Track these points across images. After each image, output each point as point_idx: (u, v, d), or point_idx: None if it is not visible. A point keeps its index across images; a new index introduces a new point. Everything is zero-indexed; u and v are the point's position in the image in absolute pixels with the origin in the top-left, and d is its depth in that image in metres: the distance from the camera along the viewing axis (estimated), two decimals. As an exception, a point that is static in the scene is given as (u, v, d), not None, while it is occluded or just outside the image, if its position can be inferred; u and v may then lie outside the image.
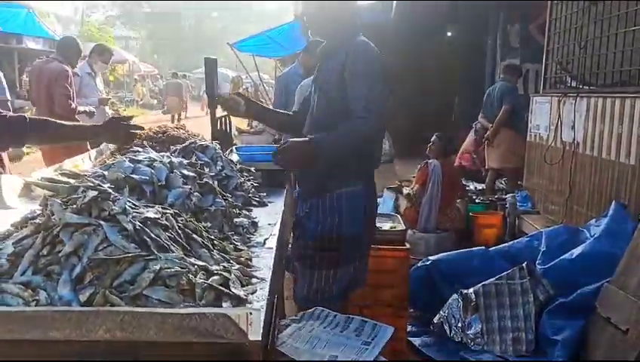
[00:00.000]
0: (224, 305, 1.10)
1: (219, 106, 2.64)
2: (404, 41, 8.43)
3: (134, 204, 1.32)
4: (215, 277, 1.16)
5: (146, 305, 1.07)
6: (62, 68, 4.73)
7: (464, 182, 5.81)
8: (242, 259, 1.36)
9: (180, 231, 1.30)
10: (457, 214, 4.90)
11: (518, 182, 5.65)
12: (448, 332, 3.13)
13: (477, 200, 5.48)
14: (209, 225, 1.49)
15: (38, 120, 2.14)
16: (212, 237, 1.42)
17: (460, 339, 3.08)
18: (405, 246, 2.98)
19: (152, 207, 1.36)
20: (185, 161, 1.77)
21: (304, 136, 2.37)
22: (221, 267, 1.23)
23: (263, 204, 2.04)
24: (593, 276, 2.86)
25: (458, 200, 5.02)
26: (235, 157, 2.53)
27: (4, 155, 3.90)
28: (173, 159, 1.72)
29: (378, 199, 4.81)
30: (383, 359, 1.62)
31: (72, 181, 1.49)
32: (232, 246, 1.46)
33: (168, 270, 1.13)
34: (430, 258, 3.50)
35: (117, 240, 1.16)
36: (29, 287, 1.09)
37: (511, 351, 2.92)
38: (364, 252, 2.35)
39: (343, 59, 2.13)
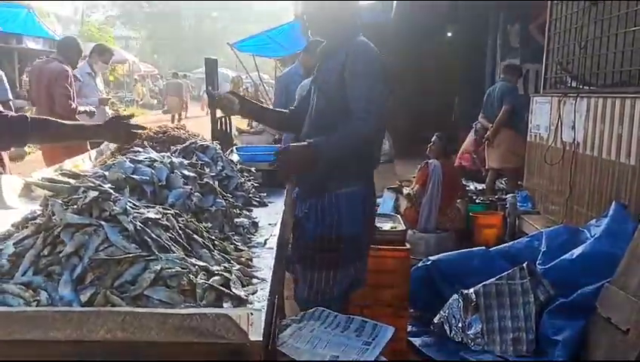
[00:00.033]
0: (225, 305, 1.10)
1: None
2: (404, 41, 8.43)
3: (135, 205, 1.32)
4: (216, 278, 1.16)
5: (146, 306, 1.07)
6: (62, 68, 4.73)
7: (464, 183, 5.81)
8: (243, 259, 1.36)
9: (180, 232, 1.31)
10: (457, 214, 4.90)
11: (519, 183, 5.65)
12: (448, 332, 3.13)
13: (477, 201, 5.48)
14: (209, 225, 1.50)
15: (40, 119, 2.14)
16: (213, 237, 1.42)
17: (460, 339, 3.08)
18: (405, 246, 2.98)
19: (153, 207, 1.36)
20: (185, 162, 1.77)
21: (302, 135, 2.37)
22: (222, 267, 1.23)
23: (263, 204, 2.04)
24: (593, 276, 2.86)
25: (458, 201, 5.02)
26: (235, 157, 2.53)
27: (5, 155, 3.90)
28: (174, 159, 1.73)
29: (378, 199, 4.84)
30: (384, 359, 1.62)
31: (72, 181, 1.49)
32: (232, 246, 1.46)
33: (169, 270, 1.13)
34: (430, 258, 3.50)
35: (118, 241, 1.16)
36: (30, 288, 1.09)
37: (511, 351, 2.91)
38: (363, 252, 2.35)
39: (343, 59, 2.13)
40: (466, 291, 3.15)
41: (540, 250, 3.32)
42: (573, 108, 4.30)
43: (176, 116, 18.10)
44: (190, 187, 1.61)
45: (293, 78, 4.21)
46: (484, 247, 3.62)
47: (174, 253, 1.20)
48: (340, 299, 2.24)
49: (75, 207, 1.24)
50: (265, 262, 1.40)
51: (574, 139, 4.31)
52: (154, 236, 1.21)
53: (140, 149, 1.91)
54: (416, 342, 3.13)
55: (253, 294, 1.18)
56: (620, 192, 3.58)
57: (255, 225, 1.73)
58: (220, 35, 37.63)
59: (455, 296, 3.19)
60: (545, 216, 4.81)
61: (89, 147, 3.55)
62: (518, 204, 4.96)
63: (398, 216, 3.42)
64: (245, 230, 1.64)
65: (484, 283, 3.11)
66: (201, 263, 1.21)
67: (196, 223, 1.41)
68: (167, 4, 40.97)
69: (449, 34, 9.61)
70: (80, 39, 5.65)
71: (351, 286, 2.29)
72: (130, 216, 1.23)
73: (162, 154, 1.79)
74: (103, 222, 1.20)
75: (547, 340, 2.85)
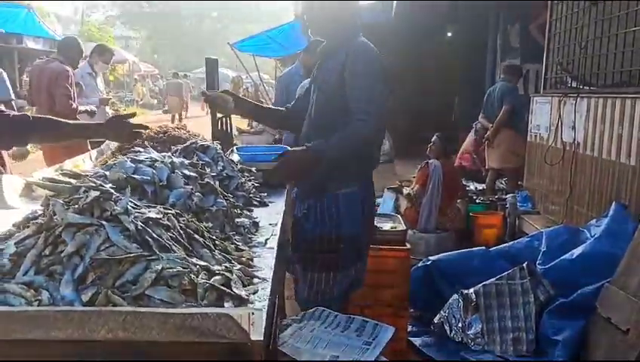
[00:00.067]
0: (226, 305, 1.10)
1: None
2: (404, 41, 8.44)
3: (136, 204, 1.32)
4: (217, 277, 1.16)
5: (148, 305, 1.07)
6: (62, 68, 4.74)
7: (464, 183, 5.82)
8: (244, 259, 1.36)
9: (181, 232, 1.30)
10: (457, 214, 4.91)
11: (519, 183, 5.65)
12: (449, 332, 3.13)
13: (477, 201, 5.49)
14: (210, 225, 1.49)
15: (41, 118, 2.14)
16: (213, 237, 1.42)
17: (460, 339, 3.09)
18: (406, 246, 2.98)
19: (154, 207, 1.36)
20: (186, 161, 1.77)
21: (301, 134, 2.37)
22: (223, 267, 1.23)
23: (263, 204, 2.04)
24: (593, 276, 2.87)
25: (458, 201, 5.02)
26: (235, 157, 2.52)
27: (5, 155, 3.90)
28: (175, 159, 1.72)
29: (378, 199, 4.84)
30: (384, 359, 1.63)
31: (73, 181, 1.49)
32: (233, 246, 1.46)
33: (170, 270, 1.13)
34: (430, 258, 3.50)
35: (119, 241, 1.16)
36: (32, 287, 1.09)
37: (511, 351, 2.92)
38: (363, 252, 2.35)
39: (343, 59, 2.13)
40: (466, 291, 3.15)
41: (540, 250, 3.33)
42: (574, 109, 4.30)
43: (177, 116, 18.10)
44: (191, 187, 1.61)
45: (294, 78, 4.22)
46: (484, 247, 3.62)
47: (175, 252, 1.20)
48: (340, 299, 2.25)
49: (77, 206, 1.24)
50: (266, 262, 1.40)
51: (574, 140, 4.32)
52: (155, 236, 1.21)
53: (141, 149, 1.91)
54: (417, 341, 3.13)
55: (254, 294, 1.18)
56: (620, 192, 3.59)
57: (256, 224, 1.73)
58: (220, 35, 37.66)
59: (455, 296, 3.19)
60: (545, 216, 4.81)
61: (89, 147, 3.56)
62: (518, 204, 4.96)
63: (399, 216, 3.42)
64: (246, 230, 1.64)
65: (484, 283, 3.11)
66: (202, 263, 1.21)
67: (197, 223, 1.41)
68: (167, 4, 41.01)
69: (449, 34, 9.62)
70: (80, 39, 5.65)
71: (351, 287, 2.30)
72: (131, 215, 1.23)
73: (163, 154, 1.79)
74: (104, 222, 1.20)
75: (547, 340, 2.86)
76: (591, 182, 4.03)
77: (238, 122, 7.14)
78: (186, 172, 1.67)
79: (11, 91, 5.28)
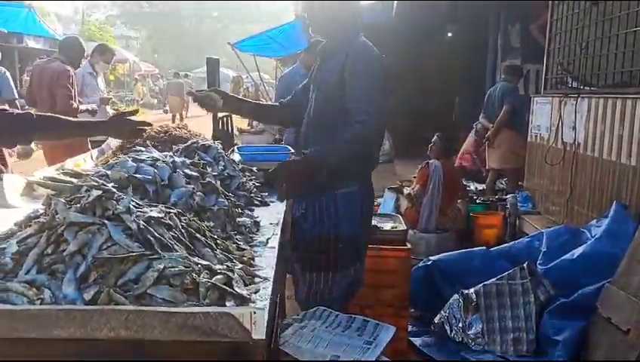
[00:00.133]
0: (228, 304, 1.10)
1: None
2: (404, 41, 8.44)
3: (138, 204, 1.32)
4: (219, 277, 1.16)
5: (150, 304, 1.07)
6: (63, 68, 4.73)
7: (465, 183, 5.81)
8: (245, 258, 1.36)
9: (183, 231, 1.31)
10: (458, 214, 4.90)
11: (519, 183, 5.65)
12: (449, 332, 3.13)
13: (477, 201, 5.49)
14: (212, 224, 1.50)
15: (45, 116, 2.15)
16: (215, 236, 1.42)
17: (460, 339, 3.08)
18: (406, 246, 2.98)
19: (156, 206, 1.36)
20: (187, 161, 1.77)
21: (301, 134, 2.37)
22: (224, 266, 1.23)
23: (264, 204, 2.04)
24: (594, 276, 2.87)
25: (459, 201, 5.02)
26: (236, 156, 2.53)
27: (6, 154, 3.91)
28: (176, 159, 1.73)
29: (379, 199, 4.84)
30: (385, 359, 1.63)
31: (74, 180, 1.49)
32: (234, 245, 1.46)
33: (172, 269, 1.13)
34: (431, 258, 3.50)
35: (121, 240, 1.17)
36: (34, 286, 1.09)
37: (512, 351, 2.92)
38: (361, 252, 2.35)
39: (343, 59, 2.13)
40: (466, 291, 3.15)
41: (540, 250, 3.33)
42: (574, 109, 4.30)
43: (177, 116, 18.10)
44: (192, 186, 1.61)
45: (295, 78, 4.22)
46: (484, 247, 3.62)
47: (177, 251, 1.20)
48: (340, 299, 2.24)
49: (79, 205, 1.24)
50: (267, 261, 1.40)
51: (575, 140, 4.32)
52: (157, 235, 1.21)
53: (143, 149, 1.91)
54: (417, 341, 3.13)
55: (255, 293, 1.19)
56: (620, 193, 3.59)
57: (257, 224, 1.73)
58: (220, 34, 37.67)
59: (455, 296, 3.19)
60: (545, 216, 4.81)
61: (90, 146, 3.56)
62: (518, 204, 4.96)
63: (399, 216, 3.42)
64: (247, 229, 1.64)
65: (484, 283, 3.11)
66: (204, 262, 1.21)
67: (199, 222, 1.41)
68: (167, 4, 41.04)
69: (449, 34, 9.62)
70: (80, 39, 5.64)
71: (350, 287, 2.29)
72: (133, 214, 1.23)
73: (164, 153, 1.79)
74: (106, 221, 1.20)
75: (547, 340, 2.86)
76: (591, 182, 4.03)
77: (239, 122, 7.15)
78: (188, 171, 1.68)
79: (15, 91, 5.29)
